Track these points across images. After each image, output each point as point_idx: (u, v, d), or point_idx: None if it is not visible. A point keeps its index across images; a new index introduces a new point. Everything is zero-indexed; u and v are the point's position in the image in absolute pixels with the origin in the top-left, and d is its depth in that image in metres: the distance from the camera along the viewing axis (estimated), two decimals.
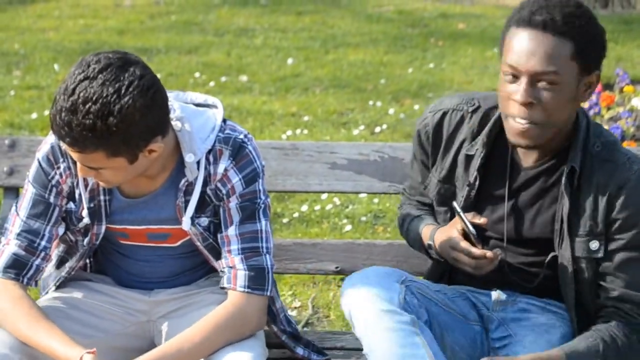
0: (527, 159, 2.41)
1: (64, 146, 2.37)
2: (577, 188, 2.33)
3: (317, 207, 5.06)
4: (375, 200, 5.14)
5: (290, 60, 8.05)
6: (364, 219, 4.95)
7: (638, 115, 5.76)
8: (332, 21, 9.49)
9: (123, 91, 2.25)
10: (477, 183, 2.44)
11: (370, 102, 6.92)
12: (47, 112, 6.53)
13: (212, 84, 7.40)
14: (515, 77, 2.26)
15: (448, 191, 2.51)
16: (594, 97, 5.89)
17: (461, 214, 2.39)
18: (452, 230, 2.41)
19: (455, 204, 2.44)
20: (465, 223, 2.38)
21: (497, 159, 2.44)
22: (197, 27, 9.26)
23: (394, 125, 6.45)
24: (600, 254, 2.32)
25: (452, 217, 2.50)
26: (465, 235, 2.38)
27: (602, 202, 2.30)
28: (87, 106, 2.24)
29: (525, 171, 2.42)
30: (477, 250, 2.34)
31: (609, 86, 6.65)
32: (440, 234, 2.47)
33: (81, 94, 2.24)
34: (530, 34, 2.24)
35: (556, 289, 2.40)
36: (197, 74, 7.62)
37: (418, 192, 2.65)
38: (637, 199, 2.29)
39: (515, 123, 2.30)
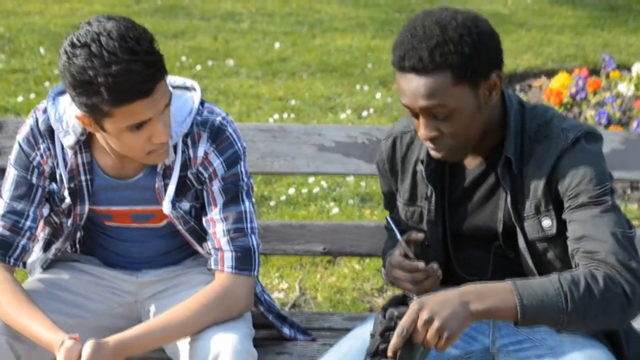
0: (470, 161, 2.40)
1: (149, 109, 2.30)
2: (519, 174, 2.31)
3: (305, 190, 5.07)
4: (362, 183, 5.15)
5: (277, 45, 8.04)
6: (351, 201, 4.95)
7: (624, 100, 5.78)
8: (319, 6, 9.48)
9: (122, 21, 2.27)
10: (433, 196, 2.44)
11: (358, 87, 6.93)
12: (33, 95, 6.52)
13: (198, 67, 7.39)
14: (416, 114, 2.27)
15: (415, 213, 2.50)
16: (580, 83, 5.91)
17: (394, 229, 2.39)
18: (395, 252, 2.40)
19: (388, 218, 2.44)
20: (398, 239, 2.37)
21: (450, 168, 2.44)
22: (183, 11, 9.23)
23: (381, 109, 6.45)
24: (554, 231, 2.29)
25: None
26: (407, 255, 2.37)
27: (543, 178, 2.28)
28: (133, 38, 2.23)
29: (470, 172, 2.41)
30: (408, 262, 2.33)
31: (595, 71, 6.67)
32: (389, 258, 2.46)
33: (111, 43, 2.22)
34: (407, 77, 2.21)
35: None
36: (183, 58, 7.60)
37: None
38: (577, 163, 2.25)
39: (434, 152, 2.32)
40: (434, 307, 2.02)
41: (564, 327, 2.12)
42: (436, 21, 2.21)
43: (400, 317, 2.04)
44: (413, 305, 2.03)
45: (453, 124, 2.24)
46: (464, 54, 2.18)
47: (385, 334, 2.05)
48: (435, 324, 2.01)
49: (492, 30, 2.26)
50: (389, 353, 2.02)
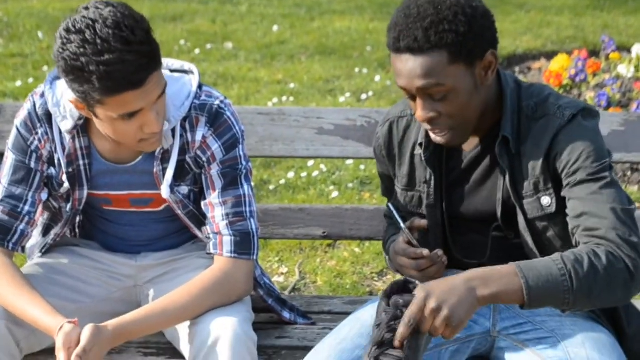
0: (467, 143, 2.38)
1: (140, 101, 2.29)
2: (517, 154, 2.31)
3: (304, 174, 5.06)
4: (362, 166, 5.14)
5: (275, 28, 8.01)
6: (350, 185, 4.95)
7: (624, 81, 5.77)
8: None
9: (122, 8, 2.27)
10: (432, 179, 2.43)
11: (357, 70, 6.91)
12: (31, 80, 6.50)
13: (197, 51, 7.37)
14: (413, 96, 2.26)
15: (414, 198, 2.49)
16: (580, 65, 5.89)
17: (397, 216, 2.38)
18: (399, 239, 2.40)
19: (390, 205, 2.43)
20: (401, 227, 2.36)
21: (448, 150, 2.43)
22: None
23: (380, 92, 6.44)
24: (554, 208, 2.29)
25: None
26: (411, 242, 2.36)
27: (541, 155, 2.27)
28: (128, 28, 2.23)
29: (467, 153, 2.40)
30: (413, 250, 2.32)
31: (595, 53, 6.65)
32: (393, 245, 2.45)
33: (105, 31, 2.21)
34: (402, 58, 2.21)
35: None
36: (182, 42, 7.58)
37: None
38: (574, 140, 2.25)
39: (434, 135, 2.30)
40: (441, 295, 2.00)
41: (569, 307, 2.11)
42: (430, 1, 2.20)
43: (405, 305, 2.01)
44: (419, 294, 2.01)
45: (450, 103, 2.23)
46: (459, 32, 2.17)
47: (390, 323, 2.02)
48: (444, 313, 1.99)
49: (486, 9, 2.25)
50: (396, 343, 1.99)
